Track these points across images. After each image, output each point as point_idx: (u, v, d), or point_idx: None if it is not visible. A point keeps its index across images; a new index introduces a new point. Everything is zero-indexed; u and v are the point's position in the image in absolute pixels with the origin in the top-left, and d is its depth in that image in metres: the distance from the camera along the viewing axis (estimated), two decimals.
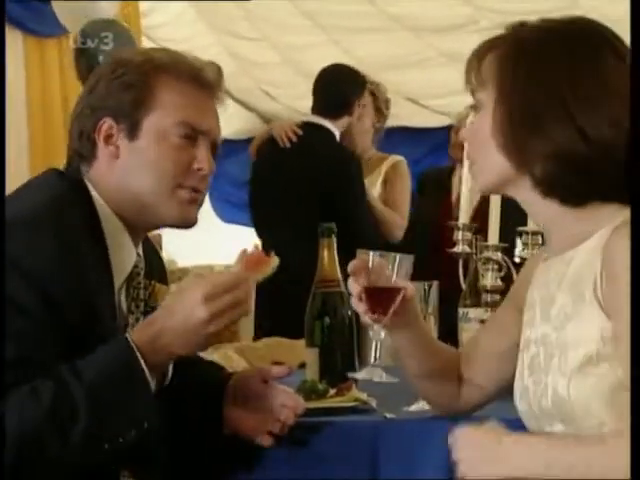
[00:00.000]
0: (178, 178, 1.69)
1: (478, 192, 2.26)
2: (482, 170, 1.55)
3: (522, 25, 1.54)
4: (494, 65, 1.51)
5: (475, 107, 1.56)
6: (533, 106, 1.47)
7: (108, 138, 1.69)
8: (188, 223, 1.73)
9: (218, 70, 1.75)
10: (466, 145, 1.61)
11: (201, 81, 1.72)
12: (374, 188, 4.17)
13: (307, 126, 4.02)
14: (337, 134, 3.99)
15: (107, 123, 1.69)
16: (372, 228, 3.96)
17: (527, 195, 1.52)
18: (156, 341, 1.55)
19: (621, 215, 1.45)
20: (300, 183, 3.90)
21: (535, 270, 1.61)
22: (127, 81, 1.68)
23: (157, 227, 1.77)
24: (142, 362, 1.53)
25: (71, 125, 1.75)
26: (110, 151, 1.69)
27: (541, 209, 1.53)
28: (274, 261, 1.71)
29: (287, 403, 1.73)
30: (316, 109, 4.04)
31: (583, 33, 1.51)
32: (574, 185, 1.47)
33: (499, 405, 1.72)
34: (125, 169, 1.69)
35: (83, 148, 1.71)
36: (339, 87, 4.00)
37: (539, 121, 1.46)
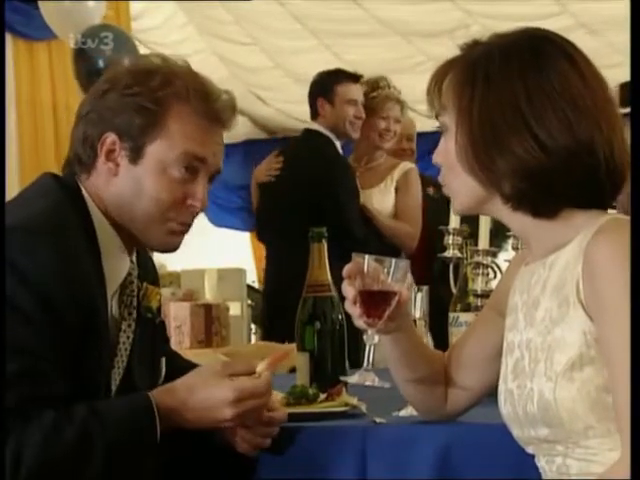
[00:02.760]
0: (170, 213, 1.69)
1: (455, 214, 2.29)
2: (455, 193, 1.58)
3: (475, 44, 1.55)
4: (451, 88, 1.53)
5: (441, 130, 1.57)
6: (492, 124, 1.48)
7: (110, 153, 1.68)
8: (170, 250, 1.74)
9: (233, 101, 1.75)
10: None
11: (214, 114, 1.70)
12: (388, 196, 4.23)
13: (306, 132, 4.24)
14: (332, 136, 4.11)
15: (111, 138, 1.67)
16: (362, 231, 4.01)
17: (501, 211, 1.55)
18: (174, 412, 1.58)
19: (600, 220, 1.46)
20: (294, 188, 4.03)
21: (516, 274, 1.62)
22: (140, 103, 1.65)
23: (140, 247, 1.77)
24: (157, 431, 1.55)
25: (76, 125, 1.72)
26: (109, 167, 1.68)
27: (516, 223, 1.55)
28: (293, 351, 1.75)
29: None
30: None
31: (533, 44, 1.52)
32: (542, 198, 1.49)
33: (485, 410, 1.72)
34: (121, 189, 1.68)
35: (84, 154, 1.70)
36: (309, 91, 4.23)
37: (500, 139, 1.48)
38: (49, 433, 1.47)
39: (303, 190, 4.01)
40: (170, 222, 1.70)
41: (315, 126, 4.17)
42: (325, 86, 4.16)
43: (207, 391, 1.59)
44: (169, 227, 1.70)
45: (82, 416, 1.50)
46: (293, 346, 2.12)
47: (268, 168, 4.21)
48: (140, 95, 1.66)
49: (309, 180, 4.03)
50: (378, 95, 4.28)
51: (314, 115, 4.18)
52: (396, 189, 4.27)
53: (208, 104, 1.70)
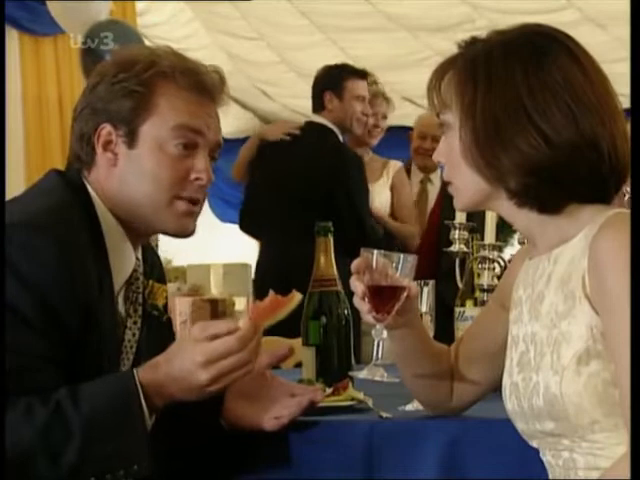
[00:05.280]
0: (175, 189, 1.68)
1: (458, 211, 2.29)
2: (459, 190, 1.58)
3: (473, 41, 1.56)
4: (452, 86, 1.53)
5: (442, 128, 1.57)
6: (496, 121, 1.49)
7: (107, 144, 1.68)
8: (185, 234, 1.73)
9: (221, 75, 1.73)
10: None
11: (202, 87, 1.70)
12: (384, 194, 4.24)
13: (308, 125, 4.14)
14: (334, 129, 4.06)
15: (106, 129, 1.67)
16: (374, 225, 4.01)
17: (505, 208, 1.55)
18: (160, 386, 1.54)
19: (605, 214, 1.46)
20: (300, 182, 3.95)
21: (520, 268, 1.62)
22: (128, 87, 1.66)
23: (155, 234, 1.77)
24: (144, 405, 1.52)
25: (72, 124, 1.73)
26: (108, 158, 1.68)
27: (521, 219, 1.55)
28: (295, 299, 1.69)
29: (299, 392, 1.73)
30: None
31: (533, 40, 1.52)
32: (548, 193, 1.49)
33: (490, 405, 1.72)
34: (123, 178, 1.67)
35: (82, 151, 1.70)
36: (314, 82, 4.16)
37: (504, 134, 1.48)
38: (20, 417, 1.46)
39: (311, 184, 3.94)
40: (176, 202, 1.68)
41: (319, 119, 4.10)
42: (334, 80, 4.11)
43: (181, 358, 1.54)
44: (177, 208, 1.68)
45: (57, 398, 1.49)
46: (298, 340, 2.12)
47: (282, 129, 4.12)
48: (126, 81, 1.67)
49: (319, 174, 3.95)
50: None
51: (318, 108, 4.12)
52: (391, 187, 4.29)
53: (193, 78, 1.70)
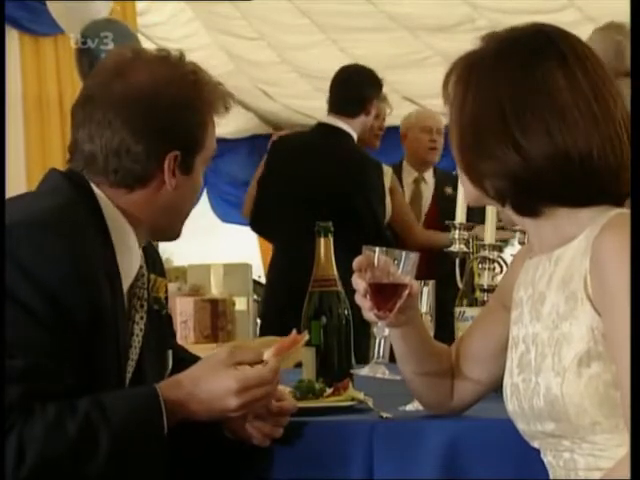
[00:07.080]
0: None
1: (465, 203, 2.31)
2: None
3: (490, 37, 1.55)
4: (452, 86, 1.55)
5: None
6: (478, 126, 1.50)
7: (173, 169, 1.70)
8: (176, 238, 1.82)
9: (232, 96, 1.80)
10: None
11: (222, 113, 1.77)
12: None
13: (322, 127, 4.05)
14: (354, 135, 4.00)
15: (174, 154, 1.69)
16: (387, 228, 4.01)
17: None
18: (180, 405, 1.57)
19: (607, 215, 1.46)
20: (315, 184, 3.91)
21: (520, 268, 1.62)
22: (199, 117, 1.71)
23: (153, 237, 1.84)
24: (165, 423, 1.54)
25: (102, 128, 1.67)
26: (172, 182, 1.70)
27: (515, 218, 1.56)
28: (304, 339, 1.74)
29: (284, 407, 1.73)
30: (332, 109, 4.05)
31: (525, 46, 1.51)
32: (523, 198, 1.50)
33: (490, 405, 1.72)
34: (172, 200, 1.72)
35: (130, 167, 1.67)
36: (355, 85, 4.03)
37: (483, 142, 1.49)
38: (51, 427, 1.47)
39: (328, 187, 3.89)
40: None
41: (337, 122, 3.98)
42: (378, 88, 4.06)
43: (212, 381, 1.59)
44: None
45: (85, 410, 1.50)
46: (303, 335, 2.12)
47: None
48: (197, 110, 1.71)
49: (338, 177, 3.91)
50: None
51: (357, 112, 3.99)
52: (390, 192, 4.29)
53: (224, 105, 1.76)
